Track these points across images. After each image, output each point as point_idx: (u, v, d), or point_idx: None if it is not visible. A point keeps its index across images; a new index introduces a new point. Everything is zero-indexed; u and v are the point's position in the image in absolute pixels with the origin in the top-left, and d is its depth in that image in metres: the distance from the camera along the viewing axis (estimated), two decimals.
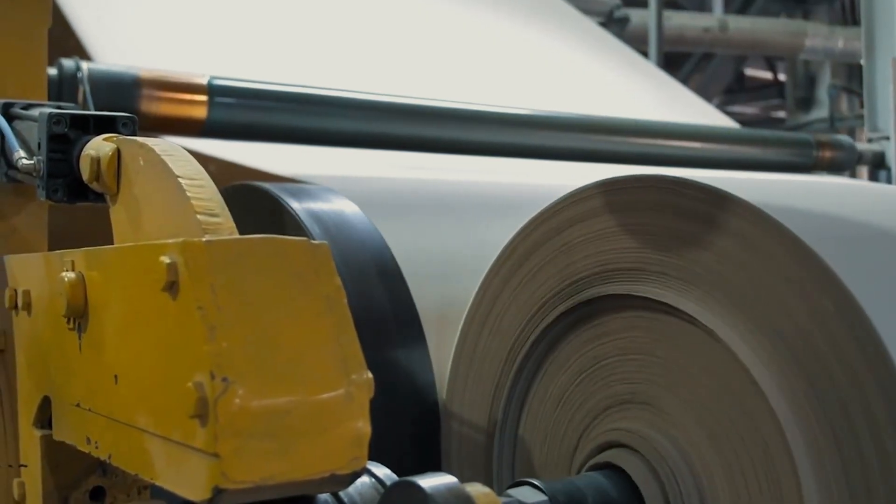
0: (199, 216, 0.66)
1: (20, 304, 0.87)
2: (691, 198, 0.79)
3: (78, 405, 0.74)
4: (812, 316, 0.70)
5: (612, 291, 0.84)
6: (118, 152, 0.77)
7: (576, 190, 0.88)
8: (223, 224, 0.66)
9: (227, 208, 0.67)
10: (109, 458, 0.69)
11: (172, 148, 0.72)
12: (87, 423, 0.73)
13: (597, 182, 0.87)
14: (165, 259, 0.58)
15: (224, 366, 0.54)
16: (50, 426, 0.84)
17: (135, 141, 0.75)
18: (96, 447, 0.72)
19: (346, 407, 0.57)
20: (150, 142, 0.73)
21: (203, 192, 0.68)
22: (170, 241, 0.59)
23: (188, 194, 0.67)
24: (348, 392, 0.58)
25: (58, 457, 0.85)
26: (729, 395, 0.75)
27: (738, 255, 0.75)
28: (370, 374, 0.59)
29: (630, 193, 0.84)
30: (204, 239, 0.58)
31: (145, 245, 0.63)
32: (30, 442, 0.87)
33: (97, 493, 0.87)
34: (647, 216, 0.82)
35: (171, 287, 0.58)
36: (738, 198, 0.76)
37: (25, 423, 0.88)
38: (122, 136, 0.80)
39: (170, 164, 0.70)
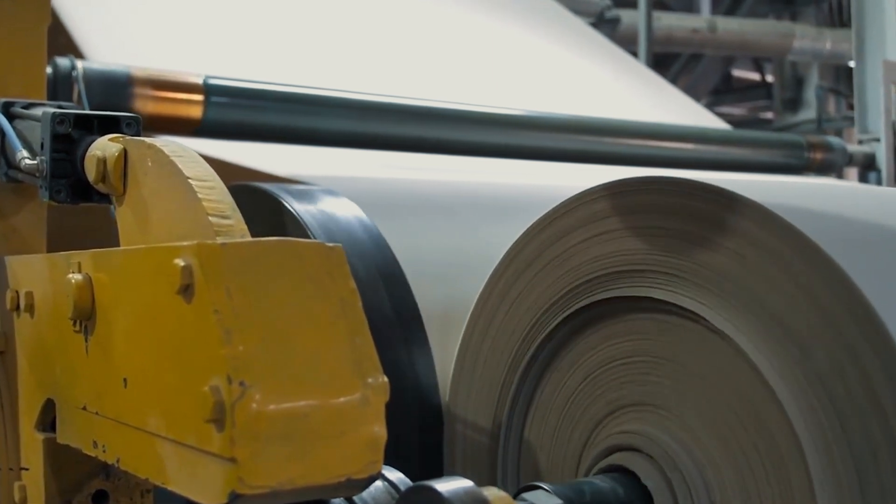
0: (210, 218, 0.65)
1: (22, 305, 0.86)
2: (700, 199, 0.79)
3: (84, 408, 0.74)
4: (823, 317, 0.70)
5: (620, 294, 0.84)
6: (125, 153, 0.76)
7: (582, 192, 0.88)
8: (235, 226, 0.65)
9: (238, 210, 0.67)
10: (118, 461, 0.68)
11: (181, 149, 0.71)
12: (94, 426, 0.72)
13: (603, 184, 0.87)
14: (180, 262, 0.57)
15: (241, 369, 0.54)
16: (52, 429, 0.83)
17: (142, 141, 0.74)
18: (104, 451, 0.71)
19: (363, 411, 0.57)
20: (159, 142, 0.73)
21: (214, 193, 0.67)
22: (184, 243, 0.58)
23: (199, 196, 0.66)
24: (364, 396, 0.57)
25: (60, 460, 0.84)
26: (739, 396, 0.75)
27: (748, 256, 0.75)
28: (385, 378, 0.59)
29: (637, 195, 0.83)
30: (219, 241, 0.57)
31: (158, 247, 0.62)
32: (31, 445, 0.86)
33: (100, 496, 0.87)
34: (655, 218, 0.82)
35: (186, 290, 0.57)
36: (748, 199, 0.76)
37: (27, 426, 0.87)
38: (128, 137, 0.79)
39: (179, 166, 0.69)
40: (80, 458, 0.81)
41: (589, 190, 0.88)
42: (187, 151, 0.71)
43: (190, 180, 0.68)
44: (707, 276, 0.77)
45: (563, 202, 0.90)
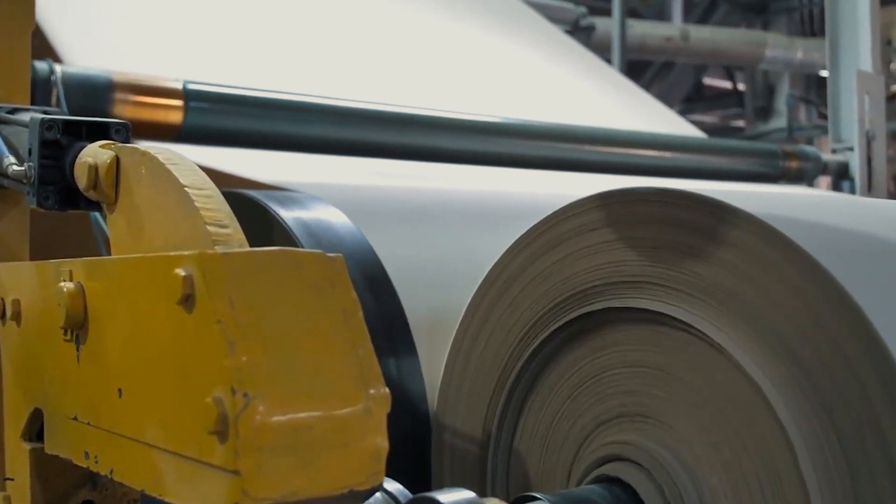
0: (208, 227, 0.64)
1: (8, 313, 0.85)
2: (691, 210, 0.79)
3: (75, 418, 0.73)
4: (817, 326, 0.71)
5: (612, 304, 0.84)
6: (117, 160, 0.75)
7: (574, 202, 0.88)
8: (233, 235, 0.65)
9: (235, 219, 0.66)
10: (111, 473, 0.67)
11: (176, 156, 0.71)
12: (86, 437, 0.71)
13: (595, 194, 0.87)
14: (181, 271, 0.56)
15: (245, 381, 0.53)
16: (39, 439, 0.82)
17: (135, 149, 0.74)
18: (96, 462, 0.70)
19: (366, 422, 0.57)
20: (153, 149, 0.72)
21: (211, 202, 0.66)
22: (185, 252, 0.57)
23: (196, 204, 0.66)
24: (367, 407, 0.57)
25: (47, 470, 0.83)
26: (733, 406, 0.75)
27: (741, 265, 0.75)
28: (387, 389, 0.58)
29: (630, 206, 0.84)
30: (220, 251, 0.57)
31: (157, 256, 0.61)
32: (17, 455, 0.85)
33: None
34: (648, 229, 0.82)
35: (187, 300, 0.56)
36: (740, 209, 0.76)
37: (13, 436, 0.85)
38: (120, 144, 0.78)
39: (175, 173, 0.68)
40: (67, 469, 0.80)
41: (580, 200, 0.88)
42: (182, 159, 0.71)
43: (186, 188, 0.67)
44: (700, 286, 0.78)
45: (553, 212, 0.90)
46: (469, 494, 0.60)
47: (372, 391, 0.57)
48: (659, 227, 0.81)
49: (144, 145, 0.74)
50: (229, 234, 0.65)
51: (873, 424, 0.67)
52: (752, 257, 0.74)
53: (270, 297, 0.57)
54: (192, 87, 1.66)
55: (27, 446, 0.83)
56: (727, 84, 8.64)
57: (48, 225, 1.09)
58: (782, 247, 0.73)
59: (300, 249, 0.60)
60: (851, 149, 3.01)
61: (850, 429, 0.68)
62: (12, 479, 0.86)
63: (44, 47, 1.68)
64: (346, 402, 0.56)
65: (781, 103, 7.17)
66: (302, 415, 0.54)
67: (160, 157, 0.70)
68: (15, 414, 0.85)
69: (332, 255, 0.60)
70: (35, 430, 0.83)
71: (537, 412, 0.92)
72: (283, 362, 0.55)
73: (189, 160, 0.71)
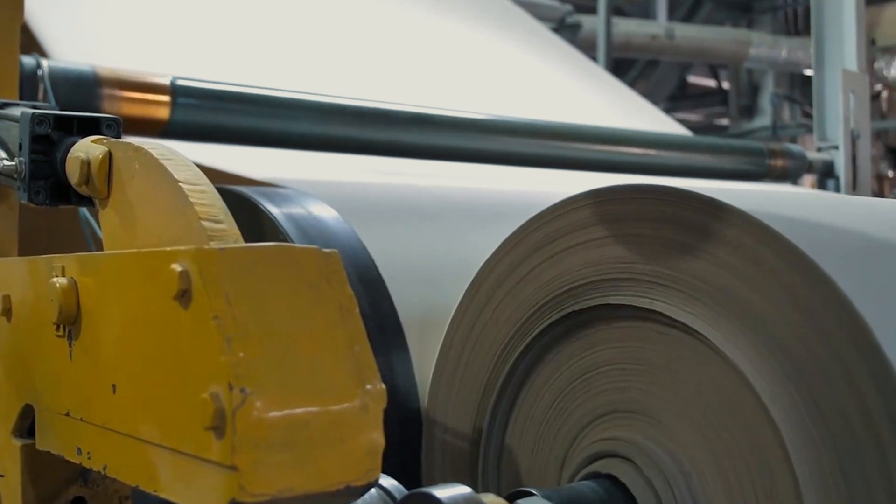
0: (203, 222, 0.64)
1: None
2: (686, 208, 0.79)
3: (67, 414, 0.72)
4: (810, 323, 0.71)
5: (604, 301, 0.84)
6: (109, 155, 0.75)
7: (566, 199, 0.88)
8: (228, 231, 0.65)
9: (230, 214, 0.66)
10: (104, 469, 0.67)
11: (170, 151, 0.70)
12: (78, 432, 0.71)
13: (588, 192, 0.87)
14: (177, 267, 0.56)
15: (242, 377, 0.53)
16: (30, 435, 0.81)
17: (128, 144, 0.73)
18: (88, 458, 0.70)
19: (362, 418, 0.57)
20: (146, 145, 0.72)
21: (205, 197, 0.66)
22: (181, 248, 0.57)
23: (191, 200, 0.65)
24: (363, 403, 0.57)
25: (38, 467, 0.83)
26: (725, 403, 0.75)
27: (734, 263, 0.75)
28: (383, 385, 0.58)
29: (623, 203, 0.84)
30: (216, 247, 0.57)
31: (152, 252, 0.61)
32: (8, 452, 0.84)
33: (77, 503, 0.85)
34: (641, 226, 0.82)
35: (183, 296, 0.56)
36: (732, 207, 0.76)
37: (3, 433, 0.85)
38: (112, 139, 0.78)
39: (169, 169, 0.68)
40: (59, 465, 0.80)
41: (573, 197, 0.88)
42: (176, 154, 0.70)
43: (181, 184, 0.67)
44: (693, 284, 0.78)
45: (546, 209, 0.90)
46: (466, 490, 0.60)
47: (368, 387, 0.57)
48: (652, 224, 0.81)
49: (135, 141, 0.74)
50: (224, 229, 0.65)
51: (865, 420, 0.68)
52: (746, 255, 0.75)
53: (267, 293, 0.57)
54: (180, 82, 1.65)
55: (18, 443, 0.83)
56: (712, 82, 8.67)
57: (35, 222, 1.09)
58: (776, 245, 0.73)
59: (296, 245, 0.60)
60: (836, 147, 3.03)
61: (842, 425, 0.68)
62: (3, 476, 0.86)
63: (29, 41, 1.67)
64: (343, 398, 0.56)
65: (766, 102, 7.21)
66: (298, 410, 0.54)
67: (154, 153, 0.70)
68: (5, 410, 0.84)
69: (327, 250, 0.60)
70: (26, 426, 0.82)
71: (529, 409, 0.92)
72: (280, 358, 0.55)
73: (182, 155, 0.70)
